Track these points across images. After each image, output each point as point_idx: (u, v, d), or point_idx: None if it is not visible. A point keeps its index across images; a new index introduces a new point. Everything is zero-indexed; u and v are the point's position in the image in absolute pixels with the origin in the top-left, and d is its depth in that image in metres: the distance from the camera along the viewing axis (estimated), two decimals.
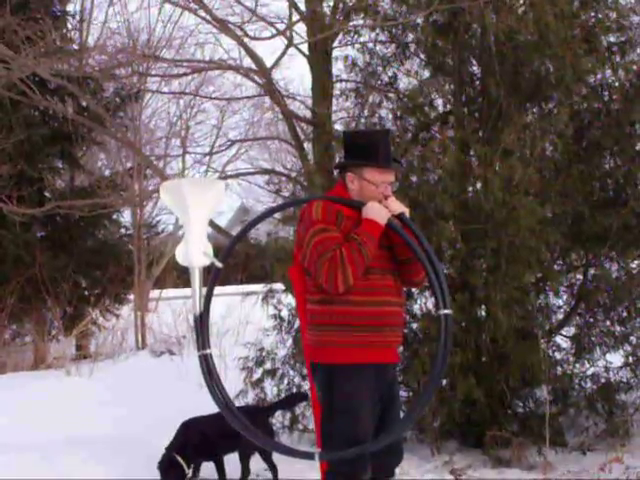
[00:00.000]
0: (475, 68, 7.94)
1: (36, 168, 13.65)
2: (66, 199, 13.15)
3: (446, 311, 4.30)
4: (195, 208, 4.43)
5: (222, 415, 4.53)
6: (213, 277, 4.55)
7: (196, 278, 4.43)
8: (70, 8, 15.50)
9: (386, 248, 4.52)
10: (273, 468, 6.71)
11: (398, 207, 4.51)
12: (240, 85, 19.93)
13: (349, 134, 4.99)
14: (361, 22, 8.68)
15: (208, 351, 4.40)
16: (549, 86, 7.47)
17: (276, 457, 6.58)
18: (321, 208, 4.45)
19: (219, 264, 4.50)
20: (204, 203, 4.47)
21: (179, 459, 6.55)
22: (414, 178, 7.47)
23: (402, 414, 5.01)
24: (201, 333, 4.42)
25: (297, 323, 7.69)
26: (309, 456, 4.38)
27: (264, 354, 8.28)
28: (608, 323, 7.76)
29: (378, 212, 4.43)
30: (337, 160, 7.98)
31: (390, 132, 4.83)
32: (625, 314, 7.70)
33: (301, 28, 10.49)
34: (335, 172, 7.51)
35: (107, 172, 18.83)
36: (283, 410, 7.68)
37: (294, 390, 8.01)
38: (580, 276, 7.93)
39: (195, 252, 4.42)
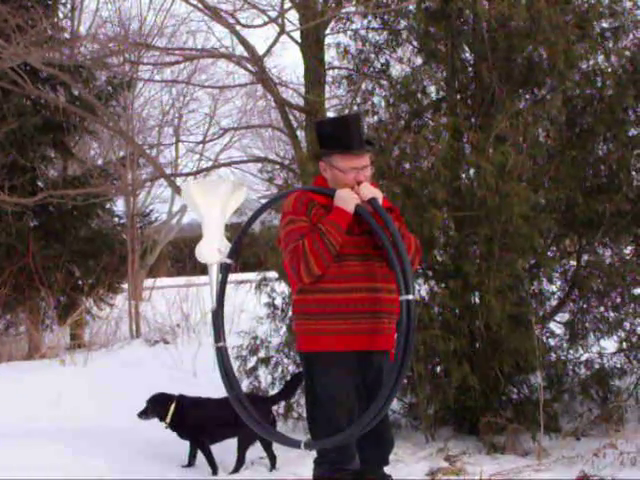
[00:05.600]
0: (468, 55, 7.92)
1: (28, 157, 13.59)
2: (59, 188, 13.08)
3: (409, 297, 4.20)
4: (210, 208, 4.67)
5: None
6: (224, 273, 4.73)
7: (213, 274, 4.68)
8: None
9: (366, 234, 4.48)
10: (272, 458, 6.76)
11: (369, 192, 4.44)
12: (232, 73, 20.04)
13: (318, 123, 4.90)
14: (353, 9, 8.66)
15: (221, 344, 4.67)
16: (542, 72, 7.46)
17: (275, 446, 6.64)
18: (293, 199, 4.50)
19: (228, 260, 4.69)
20: (219, 202, 4.69)
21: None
22: (407, 165, 7.46)
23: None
24: (216, 326, 4.68)
25: (290, 311, 7.69)
26: (295, 444, 4.40)
27: (258, 342, 8.30)
28: (602, 309, 7.75)
29: (345, 199, 4.40)
30: None
31: (360, 117, 4.78)
32: (619, 300, 7.70)
33: (293, 16, 10.50)
34: None
35: (100, 161, 18.82)
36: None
37: (288, 378, 8.01)
38: (574, 262, 7.92)
39: (211, 250, 4.67)
